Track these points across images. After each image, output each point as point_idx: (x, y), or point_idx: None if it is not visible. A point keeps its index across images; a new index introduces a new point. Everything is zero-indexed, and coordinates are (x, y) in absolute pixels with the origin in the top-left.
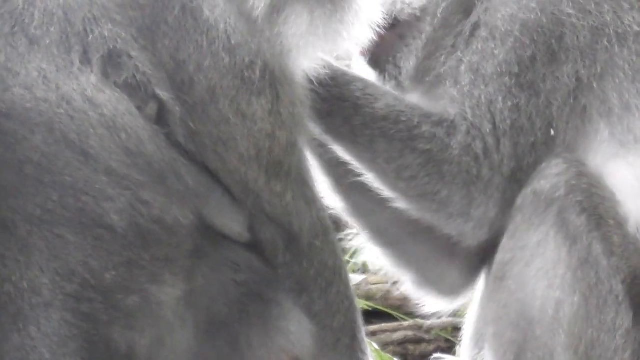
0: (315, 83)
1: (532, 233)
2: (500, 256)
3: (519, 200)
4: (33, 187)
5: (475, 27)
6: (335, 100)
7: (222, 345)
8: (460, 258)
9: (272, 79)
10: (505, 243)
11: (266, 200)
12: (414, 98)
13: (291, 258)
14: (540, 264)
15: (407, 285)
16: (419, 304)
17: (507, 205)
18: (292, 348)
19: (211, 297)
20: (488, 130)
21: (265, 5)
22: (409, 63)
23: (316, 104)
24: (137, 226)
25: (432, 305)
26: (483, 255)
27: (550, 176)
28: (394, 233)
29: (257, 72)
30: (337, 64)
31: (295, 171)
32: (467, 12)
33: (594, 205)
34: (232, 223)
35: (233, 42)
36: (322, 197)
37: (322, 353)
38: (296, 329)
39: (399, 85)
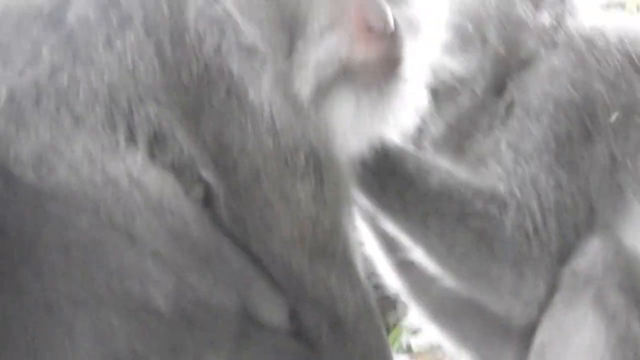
0: (367, 159)
1: (570, 313)
2: (539, 336)
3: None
4: (79, 269)
5: (510, 106)
6: (388, 175)
7: None
8: (515, 337)
9: (317, 163)
10: (544, 323)
11: (310, 283)
12: (463, 174)
13: (335, 341)
14: (578, 343)
15: None
16: None
17: (553, 284)
18: None
19: None
20: (536, 208)
21: (312, 90)
22: (435, 128)
23: (368, 179)
24: (183, 310)
25: None
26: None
27: (588, 255)
28: (450, 310)
29: (302, 157)
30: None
31: (339, 254)
32: (500, 91)
33: (632, 284)
34: (271, 315)
35: (278, 125)
36: (367, 279)
37: None
38: None
39: (417, 146)
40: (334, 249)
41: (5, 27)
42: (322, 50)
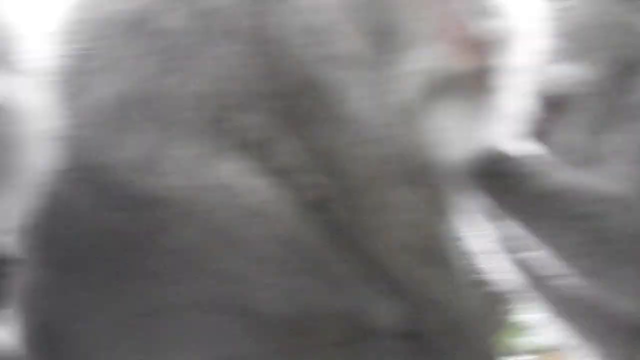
0: (477, 163)
1: None
2: None
3: None
4: (182, 275)
5: (638, 105)
6: (508, 177)
7: None
8: None
9: (422, 169)
10: None
11: (419, 288)
12: (581, 175)
13: (449, 345)
14: None
15: None
16: None
17: None
18: None
19: None
20: None
21: (410, 100)
22: (572, 138)
23: (488, 181)
24: (289, 315)
25: None
26: None
27: None
28: (576, 307)
29: (406, 163)
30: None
31: (446, 259)
32: (627, 91)
33: None
34: (380, 319)
35: (381, 134)
36: (480, 281)
37: None
38: None
39: (559, 161)
40: (441, 255)
41: (111, 34)
42: (419, 61)
